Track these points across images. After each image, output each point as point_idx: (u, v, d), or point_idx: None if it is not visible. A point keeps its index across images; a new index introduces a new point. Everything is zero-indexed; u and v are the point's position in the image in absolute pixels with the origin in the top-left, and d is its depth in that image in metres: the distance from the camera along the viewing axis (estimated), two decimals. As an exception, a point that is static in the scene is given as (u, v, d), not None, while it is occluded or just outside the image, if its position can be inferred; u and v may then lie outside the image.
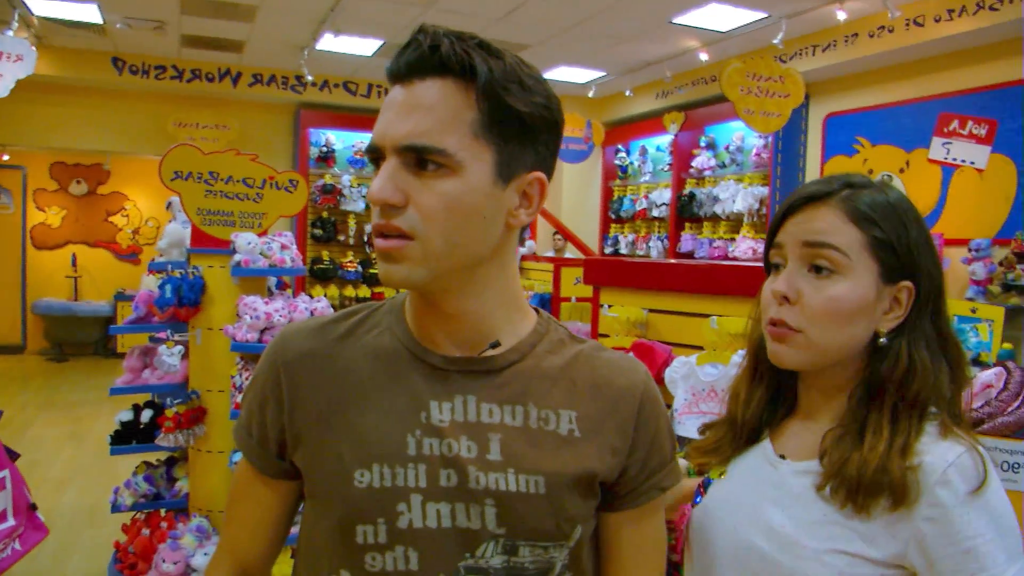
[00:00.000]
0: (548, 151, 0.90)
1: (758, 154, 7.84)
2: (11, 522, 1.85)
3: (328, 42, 7.42)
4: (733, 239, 7.98)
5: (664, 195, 8.89)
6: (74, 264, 10.27)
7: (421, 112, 0.82)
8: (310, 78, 8.37)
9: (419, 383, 0.90)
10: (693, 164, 8.51)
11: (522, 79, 0.86)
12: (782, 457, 1.07)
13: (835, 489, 0.96)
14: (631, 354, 1.91)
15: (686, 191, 8.53)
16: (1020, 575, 0.90)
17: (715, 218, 8.21)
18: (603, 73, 8.79)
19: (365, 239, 9.40)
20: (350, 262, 9.33)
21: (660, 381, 1.87)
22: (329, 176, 9.25)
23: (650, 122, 9.18)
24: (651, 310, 1.99)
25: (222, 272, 3.30)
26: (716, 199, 8.09)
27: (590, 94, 9.38)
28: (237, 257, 3.21)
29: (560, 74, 8.80)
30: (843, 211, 1.00)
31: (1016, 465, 3.47)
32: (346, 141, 9.41)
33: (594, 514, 0.94)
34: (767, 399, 1.13)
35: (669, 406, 1.87)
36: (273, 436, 0.95)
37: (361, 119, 9.21)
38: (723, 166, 8.27)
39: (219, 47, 8.04)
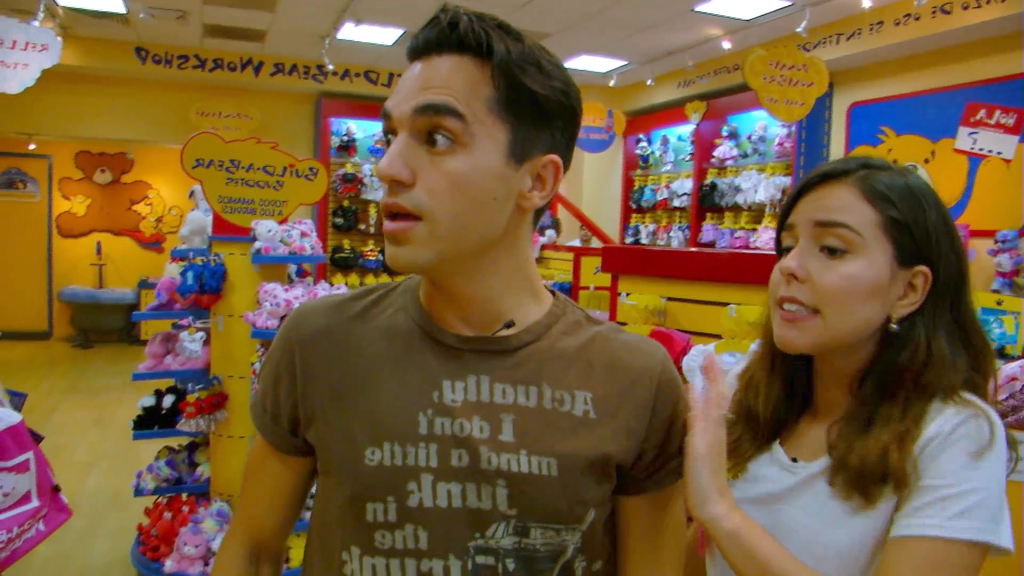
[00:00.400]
0: (564, 137, 0.90)
1: (781, 144, 7.76)
2: (35, 503, 1.88)
3: (349, 31, 7.43)
4: (755, 229, 7.92)
5: (685, 185, 8.84)
6: (99, 252, 10.39)
7: (438, 84, 0.82)
8: (331, 67, 8.39)
9: (432, 362, 0.90)
10: (715, 154, 8.45)
11: (540, 62, 0.86)
12: (794, 460, 1.04)
13: (838, 483, 0.95)
14: (649, 342, 1.91)
15: (707, 181, 8.47)
16: (1006, 539, 0.89)
17: (736, 208, 8.14)
18: (624, 62, 8.73)
19: (385, 228, 9.39)
20: (371, 251, 9.37)
21: (678, 370, 1.86)
22: (350, 165, 9.28)
23: (672, 111, 9.13)
24: (669, 298, 1.98)
25: (243, 259, 3.33)
26: (738, 189, 8.03)
27: (611, 83, 9.32)
28: (257, 244, 3.23)
29: (581, 63, 8.75)
30: (859, 189, 0.97)
31: (1040, 458, 3.42)
32: (367, 130, 9.43)
33: (609, 498, 0.92)
34: (783, 393, 1.08)
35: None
36: (286, 413, 0.95)
37: (381, 108, 9.18)
38: (745, 156, 8.20)
39: (241, 36, 8.07)
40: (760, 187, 7.74)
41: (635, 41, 7.84)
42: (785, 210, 1.05)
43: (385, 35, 7.76)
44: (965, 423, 0.90)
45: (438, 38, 0.84)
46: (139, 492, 3.44)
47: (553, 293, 0.99)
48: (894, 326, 0.97)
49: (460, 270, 0.88)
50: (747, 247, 7.88)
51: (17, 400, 2.09)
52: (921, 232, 0.97)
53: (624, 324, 2.00)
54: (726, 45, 7.49)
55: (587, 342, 0.94)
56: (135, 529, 3.60)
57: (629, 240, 9.61)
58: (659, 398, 0.93)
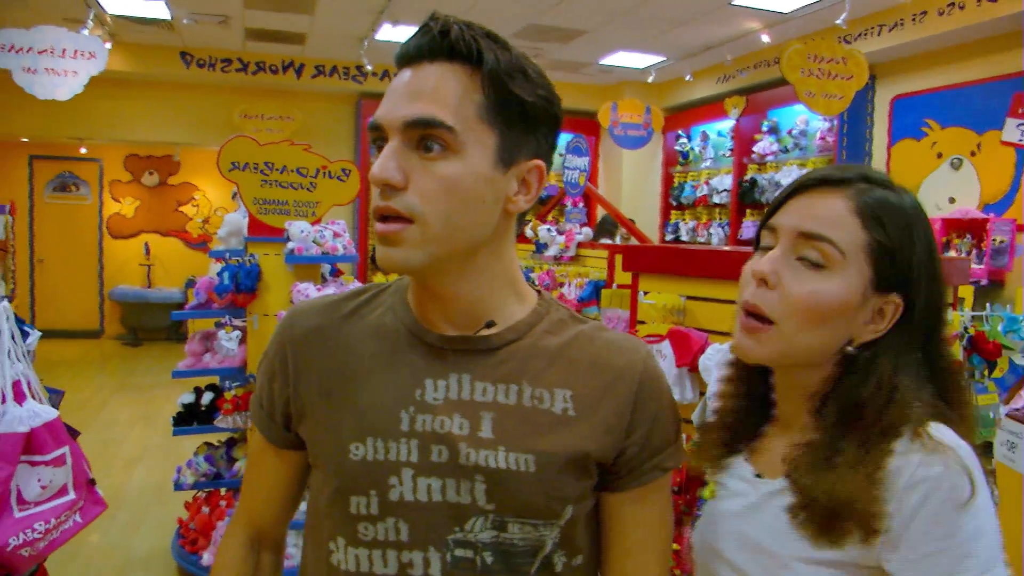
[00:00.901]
0: (547, 143, 0.93)
1: (822, 138, 7.64)
2: (72, 496, 1.95)
3: (387, 32, 7.51)
4: (795, 225, 7.81)
5: (725, 181, 8.75)
6: (147, 252, 10.66)
7: (429, 92, 0.85)
8: (370, 68, 8.48)
9: (417, 361, 0.93)
10: (755, 149, 8.34)
11: (526, 70, 0.89)
12: (759, 476, 1.01)
13: (805, 525, 0.91)
14: (666, 341, 1.91)
15: (747, 177, 8.37)
16: None
17: (777, 204, 8.02)
18: (662, 58, 8.67)
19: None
20: (410, 250, 9.42)
21: (695, 368, 1.86)
22: (389, 165, 9.34)
23: (711, 107, 9.03)
24: (689, 297, 1.98)
25: (277, 259, 3.39)
26: (778, 185, 7.91)
27: (649, 79, 9.26)
28: (291, 245, 3.29)
29: (618, 59, 8.72)
30: (853, 204, 0.93)
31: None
32: (406, 130, 9.47)
33: (590, 494, 0.94)
34: (745, 402, 1.06)
35: (703, 393, 1.86)
36: (280, 408, 0.99)
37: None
38: (786, 151, 8.09)
39: (282, 39, 8.21)
40: (801, 182, 7.62)
41: (672, 36, 7.78)
42: (774, 207, 1.00)
43: (422, 35, 7.82)
44: (938, 480, 0.84)
45: (430, 45, 0.87)
46: (179, 487, 3.54)
47: (539, 292, 1.01)
48: (853, 349, 0.94)
49: (449, 271, 0.90)
50: (788, 243, 7.77)
51: (55, 397, 2.17)
52: (904, 262, 0.92)
53: (643, 323, 2.01)
54: (765, 38, 7.39)
55: (570, 340, 0.96)
56: (175, 522, 3.71)
57: (669, 237, 9.55)
58: (640, 395, 0.94)
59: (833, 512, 0.88)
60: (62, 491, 1.94)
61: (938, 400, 0.93)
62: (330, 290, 3.27)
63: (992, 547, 0.85)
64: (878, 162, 7.32)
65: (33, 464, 1.88)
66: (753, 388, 1.05)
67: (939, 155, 6.67)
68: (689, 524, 1.13)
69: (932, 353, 0.94)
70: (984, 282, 5.89)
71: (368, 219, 9.28)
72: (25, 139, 9.67)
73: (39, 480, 1.89)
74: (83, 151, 10.09)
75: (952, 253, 6.22)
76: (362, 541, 0.90)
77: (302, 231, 3.31)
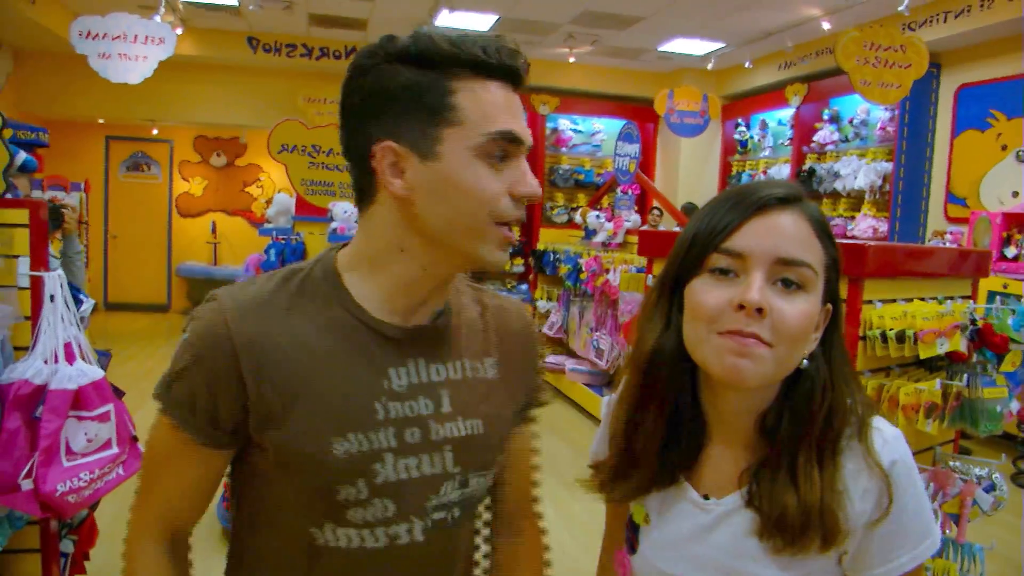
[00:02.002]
0: (398, 121, 0.96)
1: (883, 128, 7.47)
2: (115, 450, 2.12)
3: (445, 18, 7.62)
4: (853, 217, 7.67)
5: (784, 171, 8.63)
6: (213, 231, 11.05)
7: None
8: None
9: (375, 352, 0.97)
10: (815, 138, 8.21)
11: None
12: (706, 497, 1.00)
13: (772, 537, 0.93)
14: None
15: (806, 166, 8.24)
16: (932, 547, 0.95)
17: (835, 195, 7.90)
18: (722, 44, 8.58)
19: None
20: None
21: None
22: (447, 149, 9.48)
23: (771, 95, 8.91)
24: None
25: (321, 238, 3.54)
26: (837, 175, 7.78)
27: (709, 66, 9.18)
28: (333, 224, 3.43)
29: (677, 46, 8.66)
30: (809, 222, 0.94)
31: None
32: (464, 115, 9.60)
33: None
34: (664, 428, 1.00)
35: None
36: (228, 416, 0.94)
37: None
38: (846, 140, 7.94)
39: (344, 25, 8.40)
40: (860, 173, 7.49)
41: (732, 22, 7.70)
42: (727, 227, 0.93)
43: (480, 21, 7.91)
44: (894, 462, 0.93)
45: (520, 72, 0.95)
46: (226, 452, 3.72)
47: None
48: (805, 362, 0.94)
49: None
50: (844, 235, 7.64)
51: (103, 359, 2.34)
52: (839, 271, 0.98)
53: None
54: (826, 25, 7.26)
55: (483, 311, 1.09)
56: (221, 486, 3.90)
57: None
58: (534, 351, 1.13)
59: (804, 525, 0.90)
60: (106, 445, 2.10)
61: (858, 390, 0.99)
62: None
63: (928, 519, 0.96)
64: (940, 154, 7.13)
65: (80, 419, 2.05)
66: (678, 414, 1.00)
67: (1004, 147, 6.47)
68: (624, 548, 1.10)
69: (843, 346, 0.99)
70: (1045, 279, 5.72)
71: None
72: (101, 120, 10.12)
73: (85, 434, 2.05)
74: (155, 132, 10.50)
75: (1012, 249, 6.04)
76: (352, 522, 0.95)
77: (345, 211, 3.44)
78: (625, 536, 1.09)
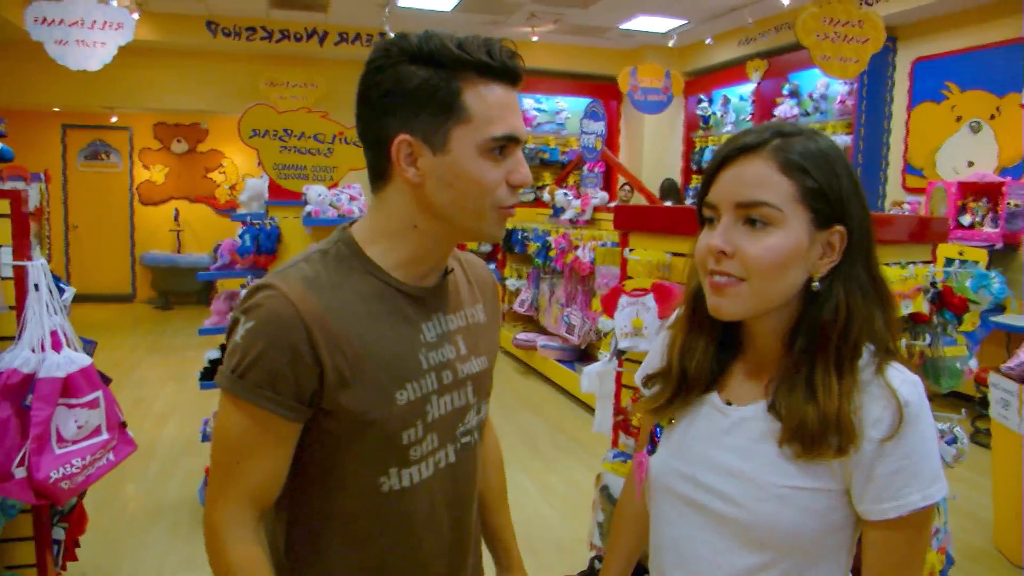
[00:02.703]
0: (407, 116, 1.09)
1: (842, 101, 7.62)
2: (105, 436, 2.14)
3: (407, -1, 7.59)
4: (814, 190, 7.82)
5: (745, 145, 8.74)
6: (176, 219, 10.91)
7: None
8: (392, 34, 8.51)
9: (409, 312, 1.12)
10: (775, 113, 8.33)
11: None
12: (728, 403, 1.10)
13: (793, 443, 1.01)
14: (651, 295, 2.04)
15: (767, 141, 8.36)
16: (941, 491, 1.00)
17: (796, 168, 8.03)
18: (684, 21, 8.65)
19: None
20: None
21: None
22: (411, 131, 9.47)
23: (732, 70, 9.02)
24: (674, 254, 2.10)
25: (296, 222, 3.55)
26: (798, 149, 7.91)
27: (671, 43, 9.24)
28: (308, 208, 3.45)
29: (640, 24, 8.72)
30: (775, 162, 1.01)
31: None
32: (428, 96, 9.59)
33: None
34: (714, 349, 1.13)
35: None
36: (308, 388, 1.02)
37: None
38: (806, 114, 8.08)
39: (305, 7, 8.31)
40: (820, 146, 7.62)
41: None
42: (706, 183, 1.07)
43: (443, 1, 7.89)
44: (908, 403, 0.98)
45: (517, 72, 1.08)
46: (205, 438, 3.75)
47: None
48: (816, 284, 1.02)
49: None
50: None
51: (88, 347, 2.35)
52: (835, 196, 1.01)
53: (631, 278, 2.13)
54: (785, 1, 7.36)
55: (465, 268, 1.29)
56: (203, 472, 3.93)
57: (690, 202, 9.59)
58: (497, 292, 1.36)
59: (822, 431, 0.98)
60: (96, 431, 2.13)
61: (884, 316, 1.05)
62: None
63: (939, 466, 1.00)
64: (897, 126, 7.30)
65: (70, 406, 2.07)
66: (724, 335, 1.13)
67: (958, 119, 6.64)
68: (645, 450, 1.23)
69: (870, 267, 1.05)
70: (999, 245, 5.91)
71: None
72: (57, 108, 9.91)
73: (75, 421, 2.07)
74: (113, 120, 10.31)
75: (968, 217, 6.23)
76: (412, 460, 1.12)
77: (319, 195, 3.46)
78: (648, 439, 1.20)
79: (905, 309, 1.81)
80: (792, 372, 1.04)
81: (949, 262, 5.25)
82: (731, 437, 1.08)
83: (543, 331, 6.96)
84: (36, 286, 2.08)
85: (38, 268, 2.09)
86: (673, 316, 1.24)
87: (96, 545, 3.41)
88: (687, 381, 1.14)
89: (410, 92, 1.02)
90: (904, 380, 1.01)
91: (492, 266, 9.56)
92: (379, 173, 1.09)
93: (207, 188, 11.12)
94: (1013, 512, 3.57)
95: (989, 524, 3.83)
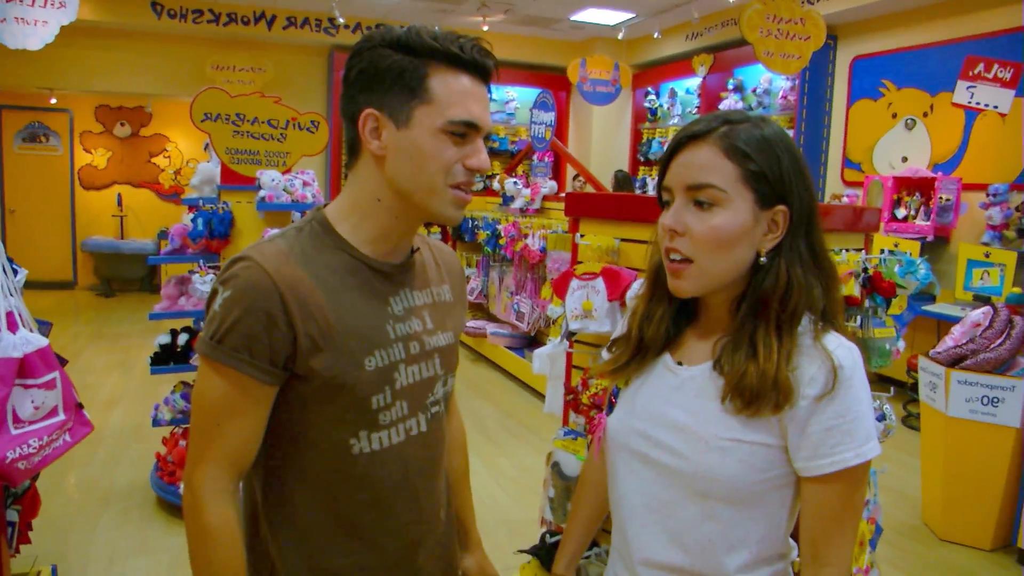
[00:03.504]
0: (375, 91, 1.17)
1: (784, 97, 7.83)
2: (62, 416, 2.15)
3: (358, -15, 7.55)
4: (757, 182, 8.02)
5: (691, 138, 8.91)
6: (120, 204, 10.68)
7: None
8: (341, 20, 8.52)
9: (378, 286, 1.21)
10: (721, 107, 8.51)
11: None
12: (680, 363, 1.20)
13: (734, 398, 1.09)
14: (600, 278, 2.13)
15: (713, 134, 8.54)
16: (873, 450, 1.08)
17: (740, 161, 8.23)
18: (632, 15, 8.78)
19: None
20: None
21: (624, 302, 2.07)
22: (362, 118, 9.44)
23: (679, 64, 9.19)
24: (623, 239, 2.19)
25: (249, 207, 3.56)
26: (742, 142, 8.11)
27: (619, 36, 9.37)
28: (262, 193, 3.46)
29: (589, 16, 8.82)
30: (720, 148, 1.10)
31: (996, 400, 3.64)
32: (378, 84, 9.56)
33: None
34: (670, 316, 1.23)
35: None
36: (282, 351, 1.09)
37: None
38: (750, 108, 8.27)
39: (253, -10, 8.21)
40: (763, 140, 7.82)
41: (641, -6, 7.89)
42: (662, 169, 1.17)
43: (394, -11, 7.87)
44: (842, 365, 1.07)
45: (488, 69, 1.16)
46: (156, 423, 3.73)
47: None
48: (763, 259, 1.12)
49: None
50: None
51: (44, 328, 2.35)
52: (776, 178, 1.11)
53: (581, 263, 2.21)
54: (731, -2, 7.54)
55: (433, 251, 1.38)
56: (154, 457, 3.91)
57: (638, 192, 9.75)
58: (464, 277, 1.45)
59: (760, 388, 1.07)
60: (53, 412, 2.13)
61: (823, 285, 1.14)
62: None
63: (872, 428, 1.09)
64: (837, 121, 7.54)
65: (27, 387, 2.07)
66: (673, 303, 1.23)
67: (894, 115, 6.90)
68: (603, 412, 1.32)
69: (812, 242, 1.14)
70: (930, 238, 6.17)
71: (340, 172, 9.38)
72: (-7, 88, 9.62)
73: (32, 401, 2.08)
74: (53, 101, 10.03)
75: (902, 210, 6.49)
76: (382, 425, 1.19)
77: (273, 180, 3.47)
78: (607, 402, 1.30)
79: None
80: (737, 334, 1.14)
81: (886, 252, 5.48)
82: (680, 394, 1.17)
83: (493, 319, 7.04)
84: (-9, 267, 2.07)
85: (-7, 249, 2.09)
86: (635, 289, 1.33)
87: (47, 531, 3.38)
88: (643, 345, 1.25)
89: (382, 71, 1.11)
90: (840, 345, 1.10)
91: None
92: (352, 148, 1.17)
93: (151, 173, 10.90)
94: (939, 488, 3.78)
95: (918, 502, 4.04)
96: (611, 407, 1.30)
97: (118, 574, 3.17)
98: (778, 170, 1.11)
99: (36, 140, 10.41)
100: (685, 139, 1.15)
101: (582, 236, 2.17)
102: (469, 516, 1.52)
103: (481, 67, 1.14)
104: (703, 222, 1.10)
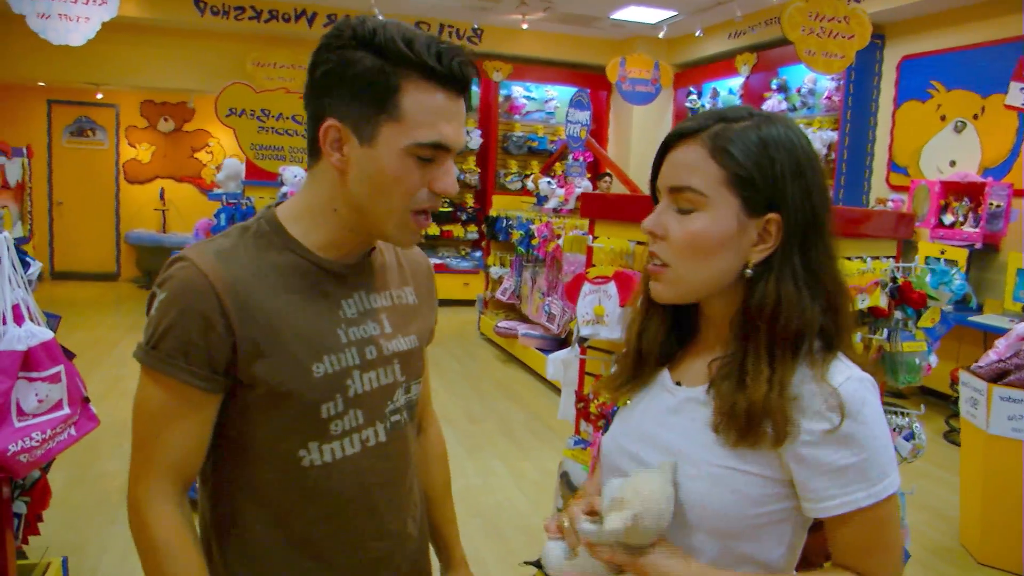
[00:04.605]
0: (336, 101, 1.09)
1: (829, 97, 7.64)
2: (66, 410, 2.13)
3: (397, -17, 7.55)
4: (799, 185, 7.83)
5: (732, 139, 8.76)
6: (162, 198, 10.85)
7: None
8: (381, 17, 8.49)
9: (328, 288, 1.13)
10: (763, 107, 8.33)
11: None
12: (678, 384, 1.10)
13: (726, 429, 1.00)
14: (612, 282, 2.05)
15: (754, 135, 8.37)
16: (890, 487, 0.96)
17: (782, 163, 8.05)
18: (674, 13, 8.64)
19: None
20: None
21: (637, 308, 1.99)
22: (400, 116, 9.46)
23: (722, 64, 9.02)
24: (638, 242, 2.11)
25: (271, 203, 3.54)
26: (784, 144, 7.92)
27: (661, 35, 9.24)
28: (283, 189, 3.44)
29: (630, 14, 8.70)
30: (707, 148, 1.00)
31: (1038, 416, 3.45)
32: (417, 81, 9.58)
33: None
34: (665, 330, 1.14)
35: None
36: (221, 358, 1.03)
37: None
38: (793, 109, 8.09)
39: (294, -12, 8.26)
40: (806, 142, 7.64)
41: (683, -8, 7.75)
42: (654, 169, 1.09)
43: (433, -14, 7.85)
44: (850, 401, 0.96)
45: (467, 83, 1.07)
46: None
47: None
48: (749, 271, 1.01)
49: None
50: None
51: (52, 321, 2.34)
52: (766, 183, 0.99)
53: (594, 266, 2.14)
54: (774, -4, 7.37)
55: (397, 252, 1.29)
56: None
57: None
58: (434, 283, 1.36)
59: (749, 418, 0.97)
60: (58, 406, 2.12)
61: (824, 306, 1.02)
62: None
63: (887, 463, 0.97)
64: (883, 123, 7.32)
65: (31, 380, 2.06)
66: (678, 317, 1.14)
67: (943, 117, 6.67)
68: (600, 430, 1.24)
69: (809, 258, 1.01)
70: (979, 245, 5.95)
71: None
72: (43, 83, 9.82)
73: (36, 394, 2.07)
74: (99, 96, 10.23)
75: (949, 216, 6.27)
76: (334, 435, 1.11)
77: (295, 176, 3.45)
78: (606, 419, 1.21)
79: (862, 303, 1.82)
80: (731, 357, 1.03)
81: (930, 261, 5.30)
82: (676, 417, 1.07)
83: (525, 319, 6.98)
84: (-2, 259, 2.07)
85: (0, 242, 2.08)
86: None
87: (64, 522, 3.41)
88: (641, 361, 1.15)
89: (349, 78, 1.01)
90: (849, 377, 0.98)
91: (477, 253, 9.59)
92: (313, 149, 1.08)
93: (193, 168, 11.06)
94: (978, 509, 3.62)
95: (956, 522, 3.88)
96: (607, 425, 1.23)
97: (133, 566, 3.17)
98: (770, 174, 0.99)
99: (83, 134, 10.62)
100: (675, 137, 1.05)
101: (595, 238, 2.10)
102: (452, 532, 1.42)
103: (459, 81, 1.04)
104: (680, 227, 1.01)
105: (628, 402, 1.18)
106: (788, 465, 0.98)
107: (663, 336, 1.15)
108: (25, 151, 7.05)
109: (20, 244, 6.89)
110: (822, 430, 0.96)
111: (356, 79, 1.01)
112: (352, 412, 1.12)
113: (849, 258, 1.99)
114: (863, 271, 1.86)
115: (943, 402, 5.57)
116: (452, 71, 1.03)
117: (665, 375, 1.14)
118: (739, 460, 0.99)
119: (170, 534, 1.04)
